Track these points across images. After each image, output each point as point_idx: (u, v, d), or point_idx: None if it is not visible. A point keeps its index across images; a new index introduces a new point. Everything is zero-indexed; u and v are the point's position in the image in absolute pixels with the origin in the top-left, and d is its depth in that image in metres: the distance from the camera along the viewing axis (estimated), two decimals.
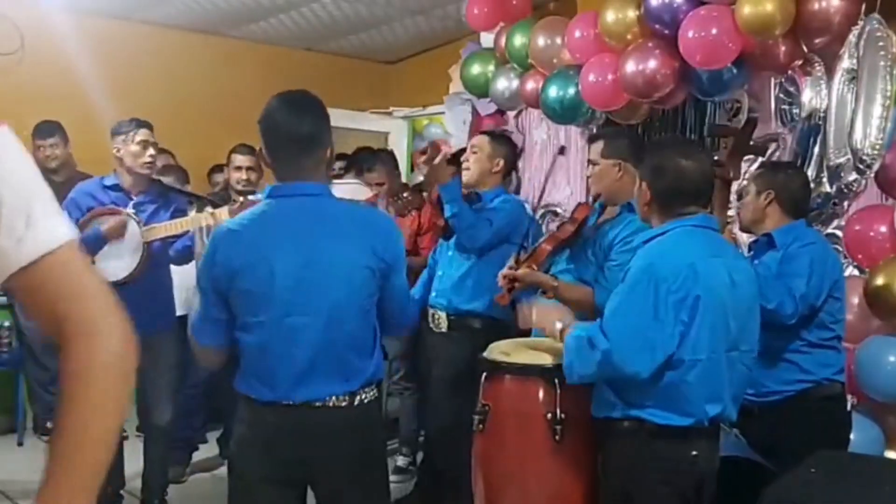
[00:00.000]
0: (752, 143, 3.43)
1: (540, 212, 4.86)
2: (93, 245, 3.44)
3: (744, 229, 3.11)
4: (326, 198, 2.26)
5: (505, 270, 3.01)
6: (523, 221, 3.52)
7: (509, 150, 3.75)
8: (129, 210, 3.54)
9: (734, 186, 3.25)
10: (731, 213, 3.33)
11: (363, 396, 2.22)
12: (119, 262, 3.48)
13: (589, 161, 3.12)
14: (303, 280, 2.13)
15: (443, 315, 3.58)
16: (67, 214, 3.51)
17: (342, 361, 2.18)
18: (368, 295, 2.22)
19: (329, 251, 2.15)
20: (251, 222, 2.20)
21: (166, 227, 3.50)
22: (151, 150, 3.58)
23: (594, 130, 4.75)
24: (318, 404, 2.17)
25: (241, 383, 2.23)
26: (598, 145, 3.09)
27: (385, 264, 2.22)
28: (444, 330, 3.59)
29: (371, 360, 2.25)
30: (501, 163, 3.66)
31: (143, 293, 3.46)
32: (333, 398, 2.18)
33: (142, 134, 3.57)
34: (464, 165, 3.69)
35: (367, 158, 4.62)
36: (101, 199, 3.60)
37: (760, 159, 3.44)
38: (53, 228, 1.05)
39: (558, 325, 2.41)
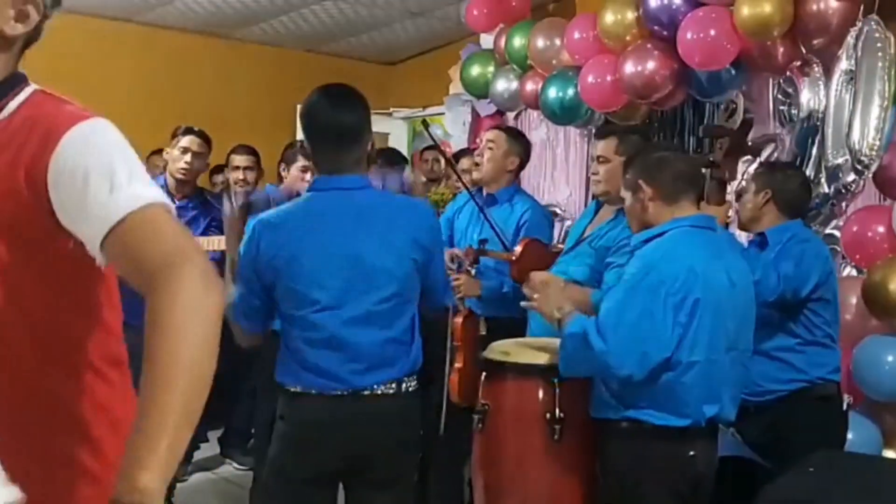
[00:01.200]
0: (749, 143, 3.44)
1: None
2: None
3: (742, 228, 3.12)
4: (369, 190, 2.29)
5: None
6: (551, 228, 3.51)
7: (524, 148, 3.62)
8: None
9: (730, 187, 3.26)
10: (730, 213, 3.33)
11: (408, 385, 2.25)
12: None
13: (598, 157, 2.97)
14: (347, 273, 2.15)
15: (481, 321, 3.45)
16: None
17: (387, 351, 2.20)
18: (411, 286, 2.25)
19: (374, 245, 2.18)
20: (294, 215, 2.22)
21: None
22: (188, 158, 3.65)
23: (594, 129, 4.76)
24: (366, 393, 2.19)
25: (285, 375, 2.23)
26: (611, 142, 2.95)
27: (427, 253, 2.27)
28: (483, 333, 3.50)
29: (413, 348, 2.27)
30: (516, 161, 3.55)
31: None
32: (381, 386, 2.20)
33: (184, 141, 3.67)
34: (477, 160, 3.60)
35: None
36: None
37: (759, 160, 3.45)
38: (135, 192, 1.15)
39: (556, 315, 2.40)
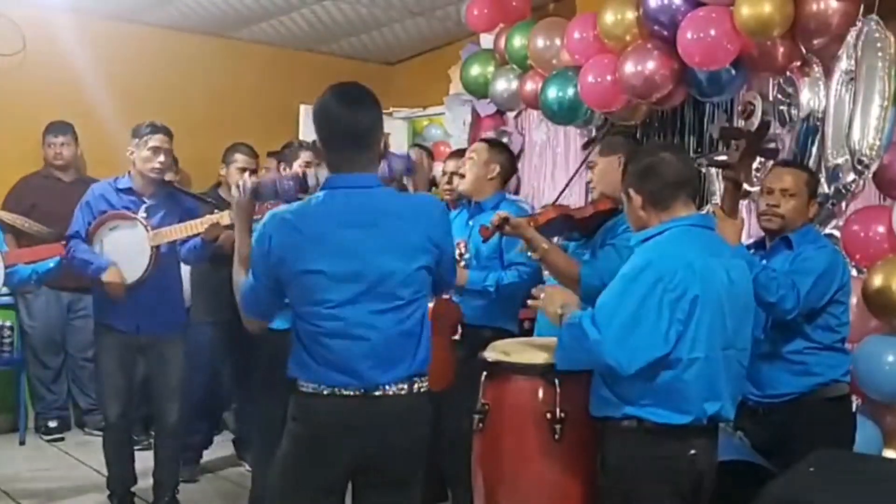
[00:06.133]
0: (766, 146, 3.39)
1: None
2: (94, 268, 3.55)
3: (778, 230, 2.93)
4: (382, 189, 2.29)
5: (503, 211, 2.99)
6: None
7: (506, 157, 3.71)
8: (141, 213, 3.59)
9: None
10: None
11: (419, 385, 2.25)
12: (127, 266, 3.54)
13: (587, 165, 3.14)
14: (359, 272, 2.15)
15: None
16: (81, 217, 3.61)
17: (397, 347, 2.21)
18: (423, 284, 2.26)
19: (388, 244, 2.18)
20: (306, 213, 2.21)
21: (174, 231, 3.54)
22: (162, 157, 3.61)
23: (592, 132, 4.77)
24: (378, 394, 2.19)
25: (298, 369, 2.23)
26: (595, 148, 3.16)
27: (440, 249, 2.28)
28: (456, 337, 3.46)
29: (423, 348, 2.27)
30: (497, 169, 3.62)
31: (152, 297, 3.55)
32: (393, 387, 2.20)
33: (155, 140, 3.60)
34: (460, 171, 3.71)
35: None
36: (114, 201, 3.64)
37: (771, 161, 3.40)
38: None
39: (559, 311, 2.42)
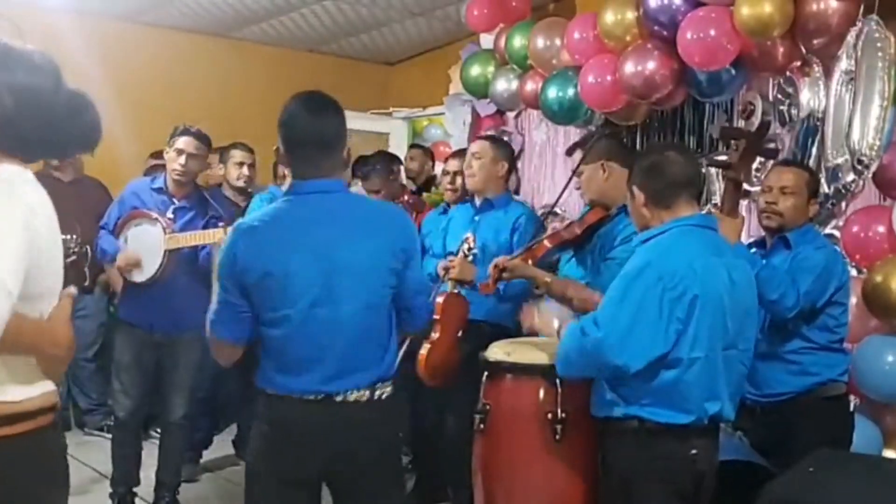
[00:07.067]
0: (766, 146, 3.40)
1: (539, 212, 4.88)
2: (110, 256, 3.69)
3: (778, 229, 2.96)
4: (345, 194, 2.31)
5: (498, 259, 3.01)
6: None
7: (509, 154, 3.79)
8: (168, 214, 3.64)
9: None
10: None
11: (382, 391, 2.25)
12: (144, 263, 3.62)
13: (573, 172, 3.14)
14: (324, 275, 2.16)
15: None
16: (113, 211, 3.77)
17: (362, 355, 2.21)
18: (387, 289, 2.26)
19: (351, 247, 2.19)
20: (272, 219, 2.23)
21: (186, 238, 3.58)
22: (183, 160, 3.65)
23: (592, 131, 4.77)
24: (339, 399, 2.19)
25: (263, 379, 2.25)
26: (578, 155, 3.16)
27: (405, 256, 2.28)
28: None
29: (388, 354, 2.28)
30: (506, 166, 3.69)
31: (166, 297, 3.60)
32: (354, 392, 2.20)
33: (179, 142, 3.66)
34: (467, 172, 3.71)
35: (363, 167, 4.62)
36: (146, 199, 3.71)
37: (771, 161, 3.40)
38: None
39: (556, 323, 2.43)
